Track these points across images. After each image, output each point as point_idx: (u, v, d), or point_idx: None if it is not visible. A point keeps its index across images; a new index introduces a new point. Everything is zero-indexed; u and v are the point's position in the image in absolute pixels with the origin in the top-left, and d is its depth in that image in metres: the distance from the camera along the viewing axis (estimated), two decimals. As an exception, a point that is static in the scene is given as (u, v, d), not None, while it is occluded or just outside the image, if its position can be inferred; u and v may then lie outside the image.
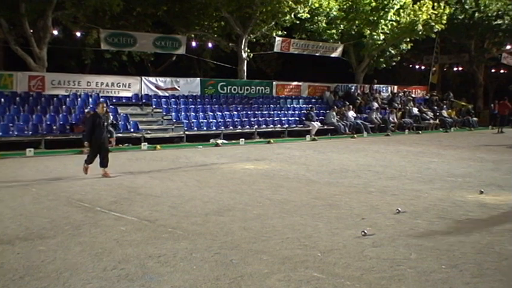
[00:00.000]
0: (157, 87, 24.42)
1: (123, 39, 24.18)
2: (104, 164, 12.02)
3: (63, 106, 20.59)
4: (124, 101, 22.67)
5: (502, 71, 44.69)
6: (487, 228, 7.33)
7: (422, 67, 41.57)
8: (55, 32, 24.03)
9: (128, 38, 24.30)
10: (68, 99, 21.17)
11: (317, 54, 30.48)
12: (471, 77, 41.15)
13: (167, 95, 24.40)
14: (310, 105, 27.44)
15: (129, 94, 23.36)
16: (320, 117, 26.65)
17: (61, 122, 19.42)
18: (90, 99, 21.29)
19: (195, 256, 5.87)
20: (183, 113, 23.15)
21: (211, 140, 21.44)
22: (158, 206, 8.67)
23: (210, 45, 30.32)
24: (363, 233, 6.83)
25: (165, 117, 22.56)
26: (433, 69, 37.84)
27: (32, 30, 21.82)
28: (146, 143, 19.14)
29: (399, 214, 8.12)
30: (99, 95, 22.08)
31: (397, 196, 9.71)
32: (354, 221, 7.74)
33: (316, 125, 25.45)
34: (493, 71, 44.80)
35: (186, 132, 21.66)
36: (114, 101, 22.05)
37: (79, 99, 21.40)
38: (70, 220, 7.65)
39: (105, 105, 12.82)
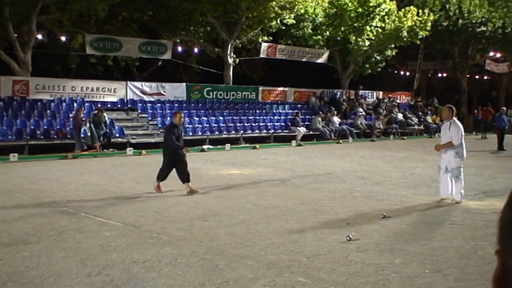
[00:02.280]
0: (143, 92, 24.34)
1: (109, 43, 24.08)
2: (184, 179, 10.50)
3: (48, 111, 20.43)
4: (109, 106, 22.53)
5: (485, 78, 45.26)
6: (470, 233, 7.41)
7: (407, 73, 41.92)
8: (40, 36, 23.85)
9: (114, 42, 24.20)
10: (52, 104, 21.00)
11: (303, 60, 30.62)
12: (455, 83, 41.59)
13: (153, 100, 24.31)
14: (296, 111, 27.51)
15: (114, 99, 23.24)
16: (306, 123, 26.73)
17: (45, 127, 19.26)
18: (75, 104, 21.14)
19: (180, 261, 5.86)
20: (168, 118, 23.05)
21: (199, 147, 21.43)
22: (143, 212, 8.64)
23: (196, 50, 30.31)
24: (348, 238, 6.87)
25: (150, 122, 22.49)
26: (417, 75, 38.18)
27: (16, 35, 21.63)
28: (132, 148, 19.06)
29: (384, 219, 8.18)
30: (84, 100, 21.95)
31: (382, 201, 9.78)
32: (339, 226, 7.78)
33: (302, 130, 25.52)
34: (476, 77, 45.33)
35: (172, 138, 21.59)
36: (99, 106, 21.93)
37: (64, 104, 21.24)
38: (54, 225, 7.59)
39: (182, 114, 11.63)
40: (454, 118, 9.82)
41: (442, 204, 9.53)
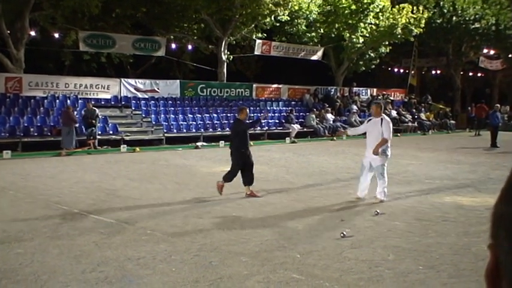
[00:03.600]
0: (137, 89, 24.29)
1: (102, 40, 24.00)
2: (249, 181, 9.89)
3: (41, 108, 20.36)
4: (103, 103, 22.49)
5: (479, 75, 45.41)
6: (463, 229, 7.45)
7: (401, 70, 42.02)
8: (32, 33, 23.73)
9: (107, 39, 24.13)
10: (45, 100, 20.92)
11: (298, 57, 30.63)
12: (449, 81, 41.70)
13: (147, 97, 24.27)
14: (290, 108, 27.53)
15: (108, 96, 23.19)
16: (300, 120, 26.77)
17: (39, 124, 19.20)
18: (69, 101, 21.07)
19: (174, 258, 5.87)
20: (162, 115, 23.05)
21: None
22: (137, 209, 8.64)
23: (189, 47, 30.25)
24: (342, 234, 6.90)
25: (144, 120, 22.45)
26: (411, 72, 38.27)
27: (9, 31, 21.51)
28: (125, 145, 19.03)
29: (378, 216, 8.22)
30: (77, 96, 21.89)
31: (376, 198, 9.81)
32: (333, 223, 7.81)
33: (296, 127, 25.55)
34: (470, 74, 45.47)
35: (166, 135, 21.57)
36: (93, 102, 21.86)
37: (57, 101, 21.16)
38: (48, 223, 7.58)
39: (248, 110, 10.76)
40: (383, 114, 9.61)
41: (436, 201, 9.56)
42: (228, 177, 9.81)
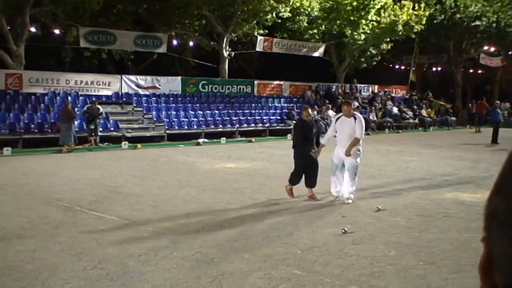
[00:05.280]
0: (138, 85, 24.28)
1: (103, 37, 23.96)
2: (311, 183, 9.42)
3: (41, 104, 20.34)
4: (104, 99, 22.42)
5: (479, 71, 45.36)
6: (464, 225, 7.45)
7: (402, 67, 41.97)
8: (33, 29, 23.72)
9: (108, 36, 24.08)
10: (46, 97, 20.92)
11: (300, 53, 30.58)
12: (450, 77, 41.68)
13: (148, 93, 24.26)
14: (291, 105, 27.53)
15: (109, 92, 23.17)
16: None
17: (39, 121, 19.19)
18: (69, 98, 21.05)
19: (175, 255, 5.86)
20: (164, 112, 23.05)
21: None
22: (139, 206, 8.64)
23: (191, 43, 30.23)
24: (343, 230, 6.90)
25: (145, 116, 22.44)
26: (412, 68, 38.24)
27: (9, 27, 21.49)
28: (127, 142, 19.02)
29: (379, 212, 8.21)
30: (78, 93, 21.88)
31: (377, 194, 9.81)
32: (334, 219, 7.81)
33: (297, 124, 25.54)
34: (471, 71, 45.44)
35: (167, 131, 21.56)
36: (93, 99, 21.84)
37: (58, 97, 21.16)
38: (49, 220, 7.58)
39: (309, 109, 10.05)
40: (356, 112, 9.44)
41: (436, 197, 9.56)
42: (293, 179, 9.45)
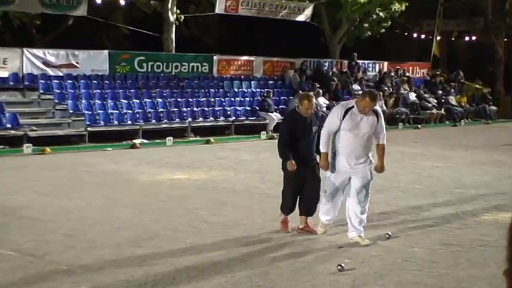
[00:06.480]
0: (46, 63, 24.00)
1: (-4, -6, 23.71)
2: (309, 210, 9.00)
3: None
4: (-3, 83, 22.22)
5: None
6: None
7: (422, 36, 42.31)
8: None
9: (3, -8, 23.85)
10: None
11: (277, 17, 30.61)
12: (488, 50, 42.17)
13: (61, 74, 24.00)
14: (266, 90, 27.54)
15: (4, 74, 22.86)
16: (280, 106, 26.81)
17: None
18: None
19: (101, 305, 5.85)
20: (84, 101, 22.81)
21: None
22: (49, 235, 8.57)
23: (122, 2, 30.07)
24: (339, 267, 6.94)
25: (57, 107, 22.19)
26: (436, 38, 38.59)
27: None
28: (30, 145, 18.80)
29: (389, 240, 8.29)
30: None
31: (387, 215, 9.91)
32: (327, 250, 7.86)
33: (275, 116, 25.58)
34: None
35: (89, 129, 21.36)
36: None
37: None
38: None
39: (312, 96, 9.43)
40: (377, 106, 8.83)
41: (470, 218, 9.70)
42: (282, 205, 9.03)
